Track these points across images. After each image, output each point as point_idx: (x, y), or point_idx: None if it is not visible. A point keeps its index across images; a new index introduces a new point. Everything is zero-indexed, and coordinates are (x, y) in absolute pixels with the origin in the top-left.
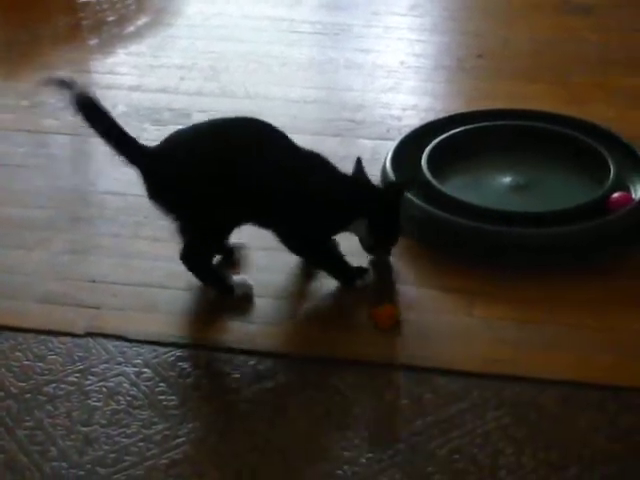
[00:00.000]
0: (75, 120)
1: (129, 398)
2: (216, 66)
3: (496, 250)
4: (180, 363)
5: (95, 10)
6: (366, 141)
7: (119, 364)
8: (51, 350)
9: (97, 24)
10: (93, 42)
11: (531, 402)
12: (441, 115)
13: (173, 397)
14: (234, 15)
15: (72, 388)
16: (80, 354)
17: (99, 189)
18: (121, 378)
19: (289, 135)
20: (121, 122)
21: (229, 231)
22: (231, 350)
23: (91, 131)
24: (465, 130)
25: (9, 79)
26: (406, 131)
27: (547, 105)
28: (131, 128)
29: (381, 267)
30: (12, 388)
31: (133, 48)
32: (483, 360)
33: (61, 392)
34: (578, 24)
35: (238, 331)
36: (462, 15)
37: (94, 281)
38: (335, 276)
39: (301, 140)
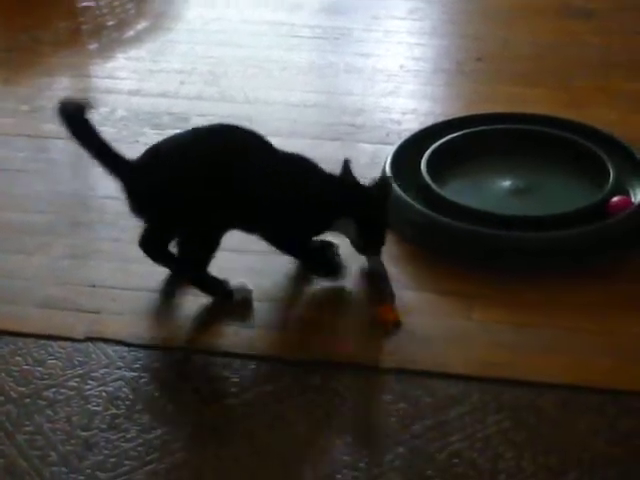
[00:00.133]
0: None
1: (129, 403)
2: (216, 70)
3: (495, 254)
4: (179, 367)
5: (95, 15)
6: (366, 145)
7: (119, 369)
8: (51, 355)
9: (97, 29)
10: (93, 47)
11: (530, 406)
12: (441, 119)
13: (173, 402)
14: (234, 20)
15: (72, 393)
16: (80, 359)
17: (99, 194)
18: (121, 383)
19: (289, 139)
20: (120, 126)
21: (218, 238)
22: (230, 354)
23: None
24: (465, 134)
25: (9, 84)
26: (406, 135)
27: (548, 109)
28: (130, 132)
29: (375, 270)
30: (12, 393)
31: (133, 53)
32: (481, 363)
33: (61, 397)
34: (580, 28)
35: (237, 335)
36: (461, 18)
37: (94, 286)
38: (317, 271)
39: (301, 144)
